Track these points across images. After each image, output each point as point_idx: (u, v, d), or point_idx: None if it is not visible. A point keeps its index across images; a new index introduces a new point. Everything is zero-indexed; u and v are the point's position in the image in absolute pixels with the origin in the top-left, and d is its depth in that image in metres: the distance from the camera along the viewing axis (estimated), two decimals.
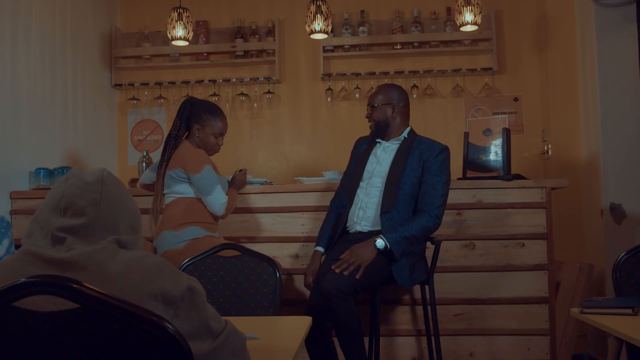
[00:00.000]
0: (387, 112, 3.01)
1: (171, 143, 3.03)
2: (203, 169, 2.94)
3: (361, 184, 3.01)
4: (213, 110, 3.09)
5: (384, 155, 3.02)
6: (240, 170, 3.26)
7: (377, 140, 3.07)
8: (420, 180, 2.90)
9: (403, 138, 3.03)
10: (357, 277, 2.66)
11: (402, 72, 5.02)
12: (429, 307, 3.07)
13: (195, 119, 3.04)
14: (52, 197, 1.18)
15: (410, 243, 2.78)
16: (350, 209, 3.01)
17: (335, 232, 3.06)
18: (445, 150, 2.96)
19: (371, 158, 3.04)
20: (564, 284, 3.91)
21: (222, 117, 3.10)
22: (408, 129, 3.07)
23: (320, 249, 3.05)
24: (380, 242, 2.73)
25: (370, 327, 3.19)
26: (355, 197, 3.01)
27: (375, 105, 3.03)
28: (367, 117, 3.07)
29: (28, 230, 1.18)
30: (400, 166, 2.92)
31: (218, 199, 2.97)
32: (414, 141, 3.00)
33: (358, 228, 2.95)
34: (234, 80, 5.17)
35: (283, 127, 5.24)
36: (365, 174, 3.02)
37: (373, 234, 2.84)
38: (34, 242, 1.14)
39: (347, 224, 3.01)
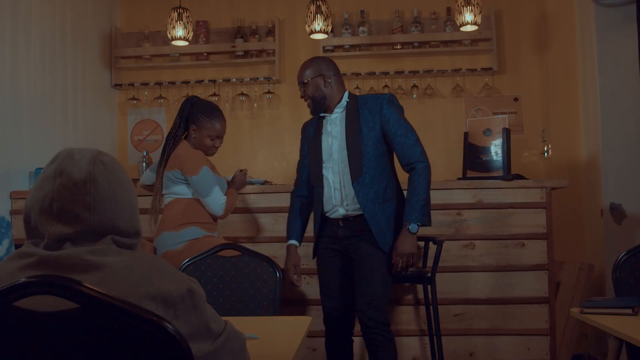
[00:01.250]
0: (319, 85, 2.83)
1: (170, 142, 3.02)
2: (201, 171, 2.93)
3: (324, 165, 2.83)
4: (210, 111, 3.05)
5: (334, 127, 2.84)
6: (241, 170, 3.26)
7: (322, 115, 2.89)
8: (385, 137, 2.75)
9: (345, 103, 2.85)
10: (413, 267, 2.70)
11: (402, 72, 5.02)
12: (430, 307, 3.07)
13: (193, 120, 3.03)
14: (42, 196, 1.12)
15: (428, 203, 2.72)
16: (325, 193, 2.82)
17: (303, 223, 2.98)
18: (392, 97, 2.80)
19: (325, 137, 2.86)
20: (564, 284, 3.91)
21: (219, 119, 3.06)
22: (346, 93, 2.88)
23: (294, 242, 2.94)
24: (413, 227, 2.66)
25: None
26: (325, 180, 2.82)
27: (305, 81, 2.85)
28: (301, 97, 2.91)
29: (25, 232, 1.16)
30: (355, 131, 2.76)
31: (217, 200, 2.96)
32: (357, 102, 2.83)
33: (341, 211, 2.77)
34: (234, 80, 5.17)
35: (283, 127, 5.24)
36: (325, 155, 2.83)
37: (359, 217, 2.74)
38: (30, 244, 1.13)
39: (325, 209, 2.82)
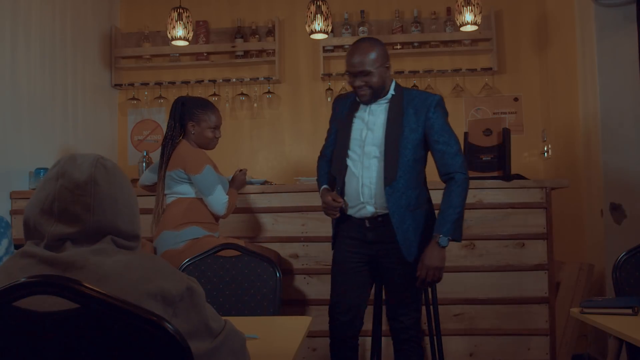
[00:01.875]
0: (384, 75, 2.57)
1: (168, 145, 3.03)
2: (204, 169, 2.94)
3: (350, 155, 2.62)
4: (204, 104, 3.10)
5: (372, 118, 2.61)
6: (241, 170, 3.27)
7: (359, 101, 2.66)
8: (426, 141, 2.59)
9: (391, 95, 2.63)
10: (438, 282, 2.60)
11: (402, 72, 5.02)
12: (431, 307, 3.06)
13: (189, 117, 3.05)
14: (43, 197, 1.14)
15: (462, 217, 2.60)
16: (347, 185, 2.62)
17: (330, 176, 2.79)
18: (441, 100, 2.63)
19: (358, 124, 2.64)
20: (564, 284, 3.91)
21: (214, 110, 3.10)
22: (393, 83, 2.66)
23: (326, 186, 2.75)
24: (443, 240, 2.51)
25: (373, 326, 3.18)
26: (349, 171, 2.62)
27: (371, 70, 2.54)
28: (355, 85, 2.58)
29: (24, 234, 1.17)
30: (397, 129, 2.56)
31: (219, 199, 2.97)
32: (403, 96, 2.61)
33: (370, 209, 2.58)
34: (234, 80, 5.17)
35: (283, 127, 5.24)
36: (353, 143, 2.62)
37: (387, 217, 2.57)
38: (31, 243, 1.14)
39: (350, 205, 2.62)
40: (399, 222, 2.55)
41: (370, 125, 2.62)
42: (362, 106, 2.66)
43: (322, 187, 2.76)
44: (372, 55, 2.55)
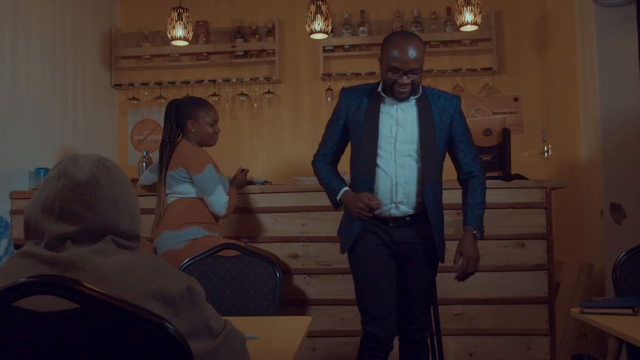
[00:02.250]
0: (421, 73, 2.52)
1: (167, 147, 3.03)
2: (205, 169, 2.95)
3: (380, 153, 2.51)
4: (199, 102, 3.12)
5: (403, 115, 2.52)
6: (242, 170, 3.28)
7: (383, 95, 2.54)
8: (452, 140, 2.59)
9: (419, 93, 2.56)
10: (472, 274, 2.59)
11: None
12: (431, 307, 3.06)
13: (187, 116, 3.06)
14: (44, 197, 1.14)
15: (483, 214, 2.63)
16: (379, 184, 2.50)
17: (339, 175, 2.69)
18: (460, 99, 2.65)
19: (386, 120, 2.51)
20: (564, 284, 3.91)
21: (210, 106, 3.13)
22: None
23: (347, 188, 2.62)
24: (478, 232, 2.54)
25: None
26: (379, 170, 2.51)
27: (417, 67, 2.45)
28: (403, 83, 2.44)
29: (24, 234, 1.17)
30: (430, 127, 2.51)
31: (219, 199, 2.97)
32: (427, 95, 2.56)
33: (404, 209, 2.51)
34: (234, 80, 5.17)
35: (283, 127, 5.24)
36: (383, 140, 2.50)
37: (416, 219, 2.53)
38: (31, 243, 1.14)
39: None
40: (435, 221, 2.55)
41: (401, 121, 2.52)
42: (387, 101, 2.54)
43: (343, 190, 2.61)
44: (423, 52, 2.47)
